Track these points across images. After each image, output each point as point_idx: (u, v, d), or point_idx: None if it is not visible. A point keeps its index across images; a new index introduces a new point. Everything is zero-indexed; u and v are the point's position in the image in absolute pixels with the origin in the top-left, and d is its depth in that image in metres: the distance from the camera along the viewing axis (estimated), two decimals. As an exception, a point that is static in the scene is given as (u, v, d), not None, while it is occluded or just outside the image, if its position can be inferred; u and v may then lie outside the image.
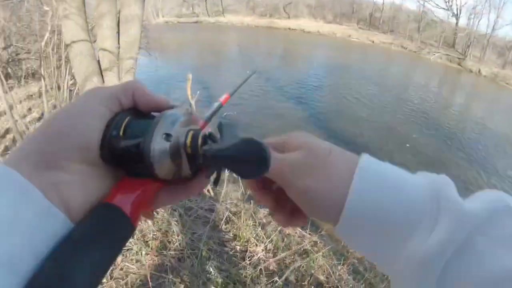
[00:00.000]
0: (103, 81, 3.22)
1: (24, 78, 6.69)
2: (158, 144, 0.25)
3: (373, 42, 23.99)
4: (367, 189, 0.27)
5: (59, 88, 4.36)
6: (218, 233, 2.56)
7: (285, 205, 0.33)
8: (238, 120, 6.87)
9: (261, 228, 2.79)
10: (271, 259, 2.46)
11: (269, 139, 0.34)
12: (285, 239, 2.79)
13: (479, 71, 21.36)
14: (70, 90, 4.56)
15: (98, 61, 3.28)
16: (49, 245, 0.20)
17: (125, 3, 3.22)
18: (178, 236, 2.29)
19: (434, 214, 0.25)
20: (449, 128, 10.49)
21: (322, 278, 2.49)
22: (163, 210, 2.55)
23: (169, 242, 2.24)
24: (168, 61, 11.46)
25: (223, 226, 2.70)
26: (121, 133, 0.26)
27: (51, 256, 0.20)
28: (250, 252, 2.53)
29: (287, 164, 0.29)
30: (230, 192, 3.25)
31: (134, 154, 0.25)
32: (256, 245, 2.64)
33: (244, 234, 2.66)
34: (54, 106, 4.43)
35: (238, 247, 2.55)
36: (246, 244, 2.62)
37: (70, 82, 4.50)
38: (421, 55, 23.05)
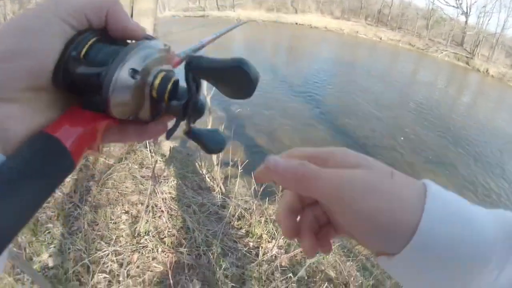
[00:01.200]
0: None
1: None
2: (121, 79, 0.22)
3: (380, 39, 23.72)
4: (439, 219, 0.24)
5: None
6: (231, 230, 2.57)
7: (313, 230, 0.30)
8: (248, 117, 6.87)
9: (272, 224, 2.81)
10: (283, 256, 2.48)
11: (306, 149, 0.29)
12: None
13: (487, 70, 21.07)
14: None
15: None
16: None
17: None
18: (193, 233, 2.31)
19: (505, 253, 0.23)
20: (455, 126, 10.44)
21: (332, 274, 2.51)
22: (177, 207, 2.57)
23: (185, 239, 2.26)
24: (178, 56, 11.44)
25: (236, 223, 2.72)
26: (81, 55, 0.22)
27: None
28: (263, 248, 2.56)
29: (346, 181, 0.25)
30: (240, 188, 3.26)
31: (91, 83, 0.22)
32: (269, 241, 2.66)
33: (257, 230, 2.67)
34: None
35: (251, 244, 2.57)
36: (259, 240, 2.64)
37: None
38: (429, 53, 22.79)
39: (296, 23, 23.72)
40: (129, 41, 0.25)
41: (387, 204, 0.24)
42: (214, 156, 3.20)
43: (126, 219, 2.33)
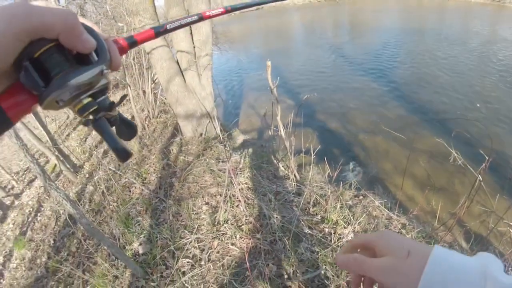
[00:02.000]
0: (184, 80, 3.47)
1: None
2: (50, 102, 0.29)
3: None
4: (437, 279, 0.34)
5: (144, 93, 4.84)
6: (306, 216, 2.58)
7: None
8: (317, 103, 6.74)
9: (348, 210, 2.73)
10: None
11: (356, 240, 0.45)
12: (373, 221, 2.69)
13: None
14: (154, 93, 5.03)
15: (177, 62, 3.54)
16: None
17: (193, 3, 3.36)
18: (269, 220, 2.38)
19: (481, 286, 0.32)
20: None
21: None
22: (253, 196, 2.67)
23: (261, 226, 2.35)
24: (238, 51, 11.73)
25: (311, 209, 2.71)
26: (35, 56, 0.28)
27: None
28: (338, 234, 2.51)
29: (380, 268, 0.38)
30: (315, 175, 3.23)
31: (34, 84, 0.28)
32: (345, 227, 2.60)
33: (332, 216, 2.63)
34: (142, 110, 4.95)
35: (326, 229, 2.55)
36: (334, 226, 2.60)
37: (152, 85, 4.95)
38: (506, 4, 19.35)
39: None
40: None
41: (401, 281, 0.36)
42: (288, 145, 3.23)
43: (206, 210, 2.50)
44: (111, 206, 2.49)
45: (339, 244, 2.34)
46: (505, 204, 4.03)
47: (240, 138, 4.27)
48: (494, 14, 17.87)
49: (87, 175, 3.39)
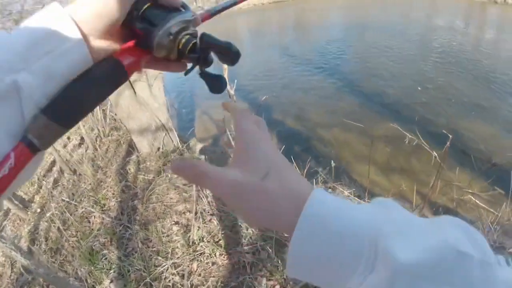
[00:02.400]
0: (135, 92, 3.22)
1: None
2: (161, 37, 0.34)
3: None
4: (311, 238, 0.26)
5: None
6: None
7: None
8: (272, 104, 6.79)
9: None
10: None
11: (241, 114, 0.36)
12: None
13: (505, 0, 19.68)
14: (103, 110, 4.65)
15: (125, 74, 3.26)
16: (78, 69, 0.30)
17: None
18: (247, 230, 2.24)
19: (371, 260, 0.25)
20: (484, 68, 9.85)
21: None
22: (225, 208, 2.51)
23: (240, 238, 2.20)
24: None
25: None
26: (140, 14, 0.34)
27: (74, 80, 0.29)
28: None
29: (222, 189, 0.29)
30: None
31: (144, 36, 0.34)
32: None
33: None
34: (92, 129, 4.54)
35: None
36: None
37: (101, 102, 4.56)
38: None
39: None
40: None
41: (255, 209, 0.28)
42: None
43: (177, 230, 2.30)
44: (70, 242, 2.18)
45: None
46: (466, 176, 4.34)
47: (198, 147, 4.09)
48: (430, 5, 19.53)
49: (38, 210, 2.98)
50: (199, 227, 2.28)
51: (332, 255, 0.26)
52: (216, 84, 0.40)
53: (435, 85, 8.24)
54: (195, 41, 0.36)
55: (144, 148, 3.33)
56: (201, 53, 0.37)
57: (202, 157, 3.62)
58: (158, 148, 3.40)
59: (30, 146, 0.27)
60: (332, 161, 5.01)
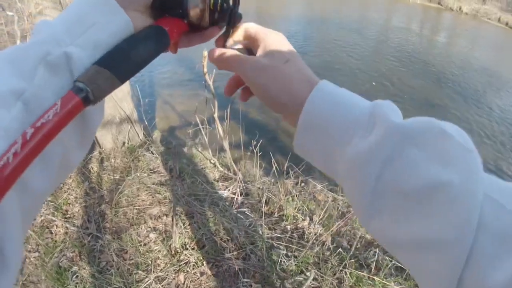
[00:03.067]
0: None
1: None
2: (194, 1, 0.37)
3: None
4: (319, 104, 0.32)
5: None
6: (266, 218, 2.40)
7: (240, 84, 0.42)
8: (237, 103, 6.69)
9: (301, 201, 2.66)
10: (325, 233, 2.35)
11: (250, 30, 0.40)
12: (321, 205, 2.67)
13: (460, 8, 21.46)
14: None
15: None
16: (122, 37, 0.32)
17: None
18: (232, 232, 2.11)
19: (370, 126, 0.29)
20: (436, 68, 10.79)
21: (369, 236, 2.42)
22: (206, 208, 2.35)
23: (226, 242, 2.07)
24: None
25: (266, 209, 2.54)
26: None
27: (126, 39, 0.32)
28: (300, 228, 2.43)
29: (250, 64, 0.35)
30: (259, 171, 3.05)
31: (176, 3, 0.37)
32: (303, 219, 2.53)
33: (289, 212, 2.52)
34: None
35: (289, 227, 2.42)
36: (294, 221, 2.50)
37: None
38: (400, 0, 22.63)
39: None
40: None
41: (273, 83, 0.34)
42: (227, 143, 2.96)
43: (156, 237, 2.09)
44: (32, 259, 1.86)
45: (308, 240, 2.23)
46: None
47: (164, 141, 3.83)
48: (388, 7, 20.33)
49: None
50: (180, 233, 2.10)
51: (337, 121, 0.31)
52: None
53: (390, 81, 8.72)
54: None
55: (108, 143, 2.99)
56: (233, 6, 0.39)
57: (164, 148, 3.39)
58: (124, 143, 3.09)
59: (78, 93, 0.26)
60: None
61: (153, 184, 2.63)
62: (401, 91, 8.27)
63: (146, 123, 3.53)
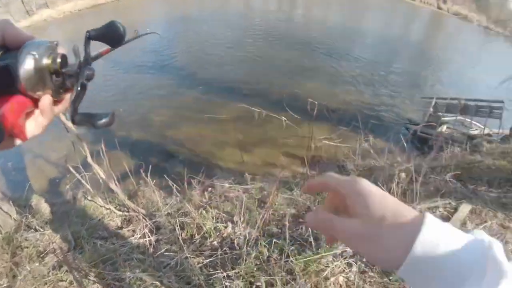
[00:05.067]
0: None
1: None
2: (24, 61, 0.32)
3: None
4: (423, 263, 0.32)
5: None
6: (191, 246, 2.11)
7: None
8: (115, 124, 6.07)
9: (211, 208, 2.45)
10: (253, 230, 2.18)
11: (330, 183, 0.41)
12: (236, 203, 2.55)
13: None
14: None
15: None
16: None
17: None
18: (162, 284, 1.75)
19: (482, 272, 0.30)
20: (300, 37, 11.83)
21: (293, 211, 2.38)
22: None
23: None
24: None
25: (184, 234, 2.25)
26: None
27: None
28: (227, 238, 2.21)
29: (347, 234, 0.37)
30: (156, 196, 2.70)
31: (5, 73, 0.32)
32: (225, 227, 2.35)
33: (208, 226, 2.27)
34: None
35: (215, 242, 2.23)
36: (218, 234, 2.27)
37: None
38: None
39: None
40: None
41: (374, 251, 0.35)
42: (111, 184, 2.53)
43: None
44: None
45: (247, 245, 1.98)
46: (319, 128, 4.87)
47: (44, 206, 3.19)
48: None
49: None
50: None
51: (444, 273, 0.31)
52: (97, 118, 0.37)
53: (265, 59, 9.12)
54: (63, 53, 0.36)
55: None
56: (85, 59, 0.37)
57: (48, 214, 2.79)
58: (-6, 235, 2.41)
59: None
60: (197, 158, 4.80)
61: (51, 271, 2.09)
62: (278, 65, 8.77)
63: (18, 193, 2.90)
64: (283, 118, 5.66)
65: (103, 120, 0.36)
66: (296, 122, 5.47)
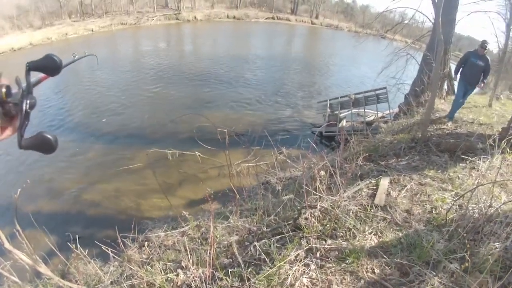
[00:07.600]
0: None
1: None
2: None
3: (92, 30, 21.65)
4: None
5: None
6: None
7: None
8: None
9: (156, 262, 2.36)
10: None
11: None
12: (177, 247, 2.51)
13: (195, 17, 26.15)
14: None
15: None
16: None
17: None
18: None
19: None
20: (192, 71, 12.22)
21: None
22: None
23: None
24: None
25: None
26: None
27: None
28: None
29: None
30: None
31: None
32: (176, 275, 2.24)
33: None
34: None
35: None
36: None
37: None
38: (141, 24, 24.22)
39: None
40: None
41: None
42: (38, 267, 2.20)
43: None
44: None
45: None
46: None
47: None
48: (132, 35, 21.84)
49: None
50: None
51: None
52: (43, 145, 0.41)
53: (166, 99, 9.17)
54: (7, 85, 0.38)
55: None
56: (26, 88, 0.40)
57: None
58: None
59: None
60: (121, 216, 4.49)
61: None
62: (180, 102, 8.92)
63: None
64: (197, 153, 5.72)
65: (49, 144, 0.41)
66: (212, 153, 5.56)
